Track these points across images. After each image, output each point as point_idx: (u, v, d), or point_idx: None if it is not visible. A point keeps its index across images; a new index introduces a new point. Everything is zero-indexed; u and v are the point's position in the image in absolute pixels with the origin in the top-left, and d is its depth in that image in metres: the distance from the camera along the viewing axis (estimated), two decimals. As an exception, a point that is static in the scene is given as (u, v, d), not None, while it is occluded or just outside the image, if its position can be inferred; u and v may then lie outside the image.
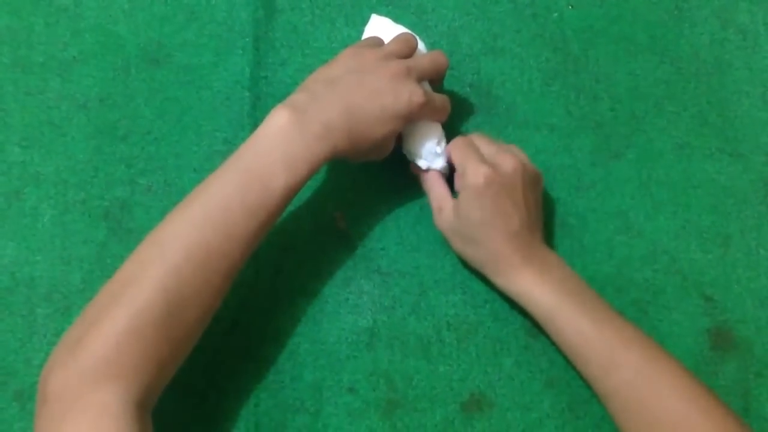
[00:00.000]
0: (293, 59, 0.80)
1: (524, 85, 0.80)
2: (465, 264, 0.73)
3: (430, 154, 0.71)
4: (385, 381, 0.70)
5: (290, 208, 0.68)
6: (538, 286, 0.66)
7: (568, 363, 0.69)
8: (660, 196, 0.77)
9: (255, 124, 0.76)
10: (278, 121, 0.63)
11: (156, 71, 0.79)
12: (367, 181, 0.76)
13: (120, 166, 0.76)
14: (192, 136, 0.77)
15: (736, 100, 0.80)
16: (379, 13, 0.77)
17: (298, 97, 0.66)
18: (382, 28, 0.75)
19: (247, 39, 0.80)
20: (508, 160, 0.68)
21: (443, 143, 0.72)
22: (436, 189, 0.72)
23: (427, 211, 0.75)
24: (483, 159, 0.69)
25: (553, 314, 0.66)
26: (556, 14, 0.83)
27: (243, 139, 0.75)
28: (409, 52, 0.72)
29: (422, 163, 0.72)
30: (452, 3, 0.83)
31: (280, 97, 0.76)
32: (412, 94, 0.67)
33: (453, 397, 0.70)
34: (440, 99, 0.72)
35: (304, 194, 0.74)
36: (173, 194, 0.75)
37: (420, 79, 0.70)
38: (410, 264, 0.74)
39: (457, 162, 0.70)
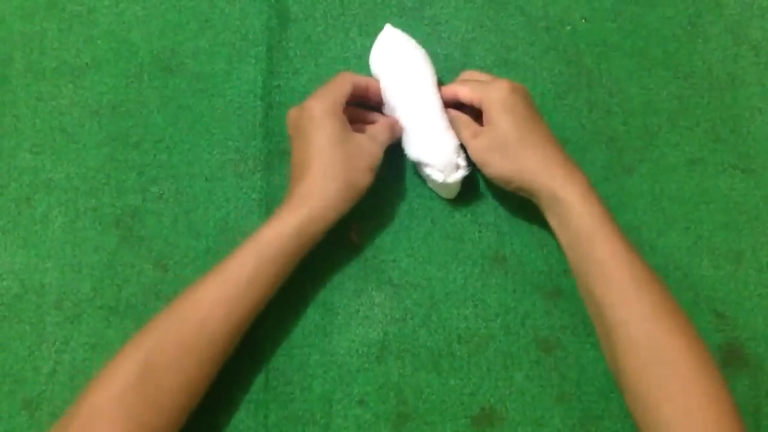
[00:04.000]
0: (306, 68, 0.80)
1: (537, 97, 0.79)
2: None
3: (450, 165, 0.71)
4: (395, 394, 0.70)
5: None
6: (587, 193, 0.66)
7: (580, 377, 0.69)
8: (672, 212, 0.77)
9: (267, 132, 0.77)
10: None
11: (169, 79, 0.78)
12: (379, 193, 0.76)
13: (132, 174, 0.75)
14: (204, 145, 0.77)
15: (749, 116, 0.80)
16: (394, 24, 0.77)
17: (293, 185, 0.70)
18: (393, 39, 0.75)
19: (261, 48, 0.80)
20: (507, 80, 0.71)
21: (463, 154, 0.72)
22: (463, 118, 0.73)
23: (438, 224, 0.75)
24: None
25: (594, 229, 0.65)
26: (569, 27, 0.83)
27: (255, 148, 0.77)
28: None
29: (439, 176, 0.71)
30: (466, 15, 0.82)
31: (292, 106, 0.77)
32: (306, 107, 0.69)
33: (463, 410, 0.70)
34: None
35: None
36: (185, 202, 0.75)
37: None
38: (421, 276, 0.74)
39: (468, 94, 0.71)
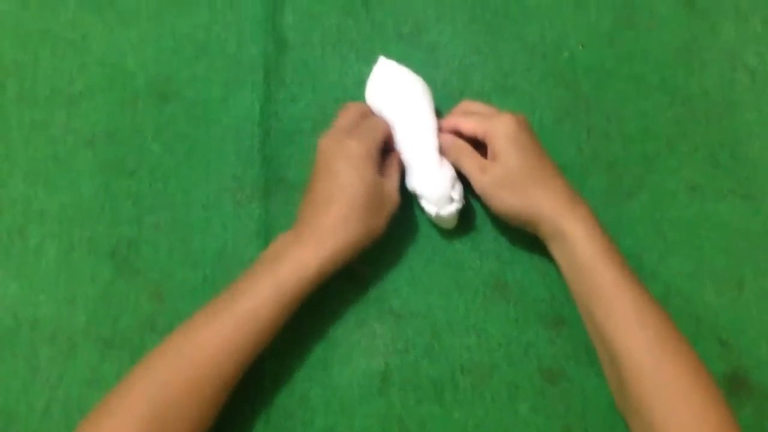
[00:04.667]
0: (303, 95, 0.79)
1: (535, 123, 0.79)
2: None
3: (444, 198, 0.71)
4: (398, 426, 0.69)
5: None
6: (590, 226, 0.67)
7: (585, 406, 0.68)
8: (673, 238, 0.76)
9: (265, 160, 0.76)
10: (278, 246, 0.67)
11: (164, 106, 0.77)
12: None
13: (127, 203, 0.74)
14: (201, 172, 0.76)
15: (747, 141, 0.80)
16: (390, 51, 0.77)
17: (297, 225, 0.68)
18: (388, 71, 0.75)
19: (258, 74, 0.79)
20: (510, 113, 0.71)
21: (458, 186, 0.71)
22: (468, 150, 0.72)
23: (438, 252, 0.74)
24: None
25: (595, 259, 0.65)
26: (566, 53, 0.82)
27: (253, 176, 0.76)
28: (352, 121, 0.72)
29: (431, 209, 0.71)
30: (463, 41, 0.82)
31: (290, 133, 0.77)
32: (346, 164, 0.68)
33: (467, 443, 0.69)
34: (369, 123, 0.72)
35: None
36: (181, 232, 0.73)
37: (346, 134, 0.70)
38: (423, 305, 0.73)
39: (473, 127, 0.71)
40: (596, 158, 0.79)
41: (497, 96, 0.80)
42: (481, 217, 0.76)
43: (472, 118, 0.72)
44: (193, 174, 0.76)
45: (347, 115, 0.72)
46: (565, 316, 0.73)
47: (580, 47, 0.83)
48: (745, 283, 0.75)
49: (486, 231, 0.76)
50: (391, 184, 0.70)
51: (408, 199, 0.76)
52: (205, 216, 0.74)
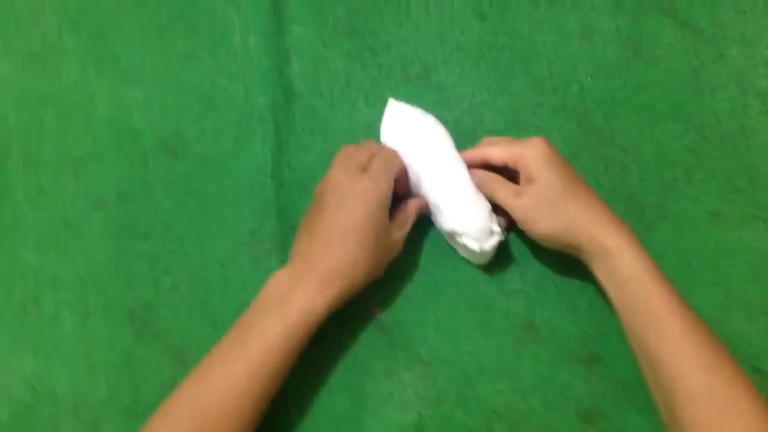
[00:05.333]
0: (315, 143, 0.78)
1: (551, 159, 0.78)
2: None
3: (485, 232, 0.69)
4: (437, 480, 0.67)
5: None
6: (634, 244, 0.65)
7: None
8: (699, 267, 0.75)
9: (280, 211, 0.75)
10: (276, 284, 0.65)
11: (175, 163, 0.76)
12: (401, 267, 0.73)
13: (142, 265, 0.72)
14: (216, 229, 0.74)
15: (764, 165, 0.79)
16: (399, 94, 0.76)
17: (293, 262, 0.67)
18: (400, 112, 0.74)
19: (267, 125, 0.78)
20: (540, 136, 0.70)
21: (495, 217, 0.70)
22: (498, 179, 0.71)
23: (463, 295, 0.73)
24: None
25: (643, 276, 0.64)
26: (576, 86, 0.82)
27: (269, 228, 0.74)
28: (365, 158, 0.71)
29: (474, 244, 0.69)
30: (472, 79, 0.81)
31: (303, 183, 0.75)
32: (355, 200, 0.67)
33: (510, 492, 0.67)
34: (384, 156, 0.71)
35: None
36: (200, 291, 0.71)
37: (360, 170, 0.69)
38: (452, 351, 0.71)
39: (502, 155, 0.70)
40: (615, 190, 0.78)
41: (510, 133, 0.79)
42: (504, 256, 0.74)
43: (499, 146, 0.71)
44: (208, 231, 0.74)
45: (361, 152, 0.71)
46: (599, 352, 0.71)
47: (589, 79, 0.82)
48: (776, 308, 0.74)
49: (511, 270, 0.74)
50: (400, 234, 0.70)
51: (428, 243, 0.74)
52: (223, 273, 0.72)
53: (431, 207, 0.71)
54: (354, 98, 0.80)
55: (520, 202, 0.69)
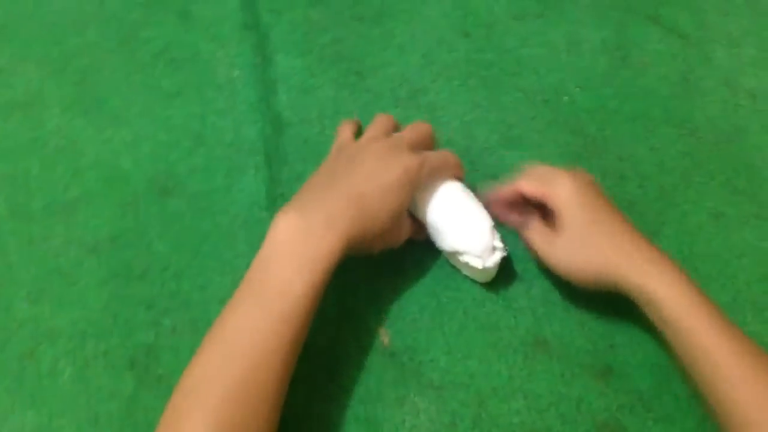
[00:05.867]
0: (308, 172, 0.75)
1: (548, 172, 0.78)
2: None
3: (487, 249, 0.68)
4: (459, 507, 0.65)
5: (331, 330, 0.63)
6: (673, 282, 0.62)
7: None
8: (705, 271, 0.74)
9: (278, 245, 0.73)
10: (281, 228, 0.61)
11: (167, 202, 0.74)
12: (406, 292, 0.72)
13: (140, 309, 0.70)
14: (214, 266, 0.72)
15: (761, 163, 0.79)
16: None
17: (294, 201, 0.64)
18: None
19: (259, 157, 0.77)
20: (570, 172, 0.68)
21: (497, 234, 0.69)
22: (539, 228, 0.69)
23: (471, 315, 0.71)
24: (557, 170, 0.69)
25: (689, 318, 0.61)
26: (566, 98, 0.81)
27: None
28: (388, 131, 0.71)
29: (477, 262, 0.68)
30: (462, 98, 0.81)
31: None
32: (403, 162, 0.66)
33: None
34: (441, 155, 0.70)
35: (344, 315, 0.70)
36: (201, 332, 0.68)
37: (410, 149, 0.68)
38: (463, 373, 0.69)
39: (534, 191, 0.68)
40: (615, 200, 0.76)
41: (505, 148, 0.79)
42: (508, 273, 0.73)
43: (532, 180, 0.69)
44: (206, 269, 0.72)
45: (410, 133, 0.70)
46: (612, 364, 0.70)
47: (579, 90, 0.82)
48: (787, 307, 0.73)
49: (516, 288, 0.73)
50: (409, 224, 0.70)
51: (431, 266, 0.73)
52: (224, 311, 0.71)
53: (431, 229, 0.70)
54: (344, 125, 0.79)
55: (551, 250, 0.68)
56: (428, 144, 0.72)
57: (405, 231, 0.69)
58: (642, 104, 0.81)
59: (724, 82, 0.83)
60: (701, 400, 0.64)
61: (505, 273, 0.72)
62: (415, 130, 0.71)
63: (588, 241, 0.66)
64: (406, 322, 0.71)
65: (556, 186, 0.67)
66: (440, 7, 0.85)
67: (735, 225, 0.76)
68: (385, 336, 0.70)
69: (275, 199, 0.75)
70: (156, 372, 0.68)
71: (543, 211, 0.70)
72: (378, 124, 0.71)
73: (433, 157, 0.69)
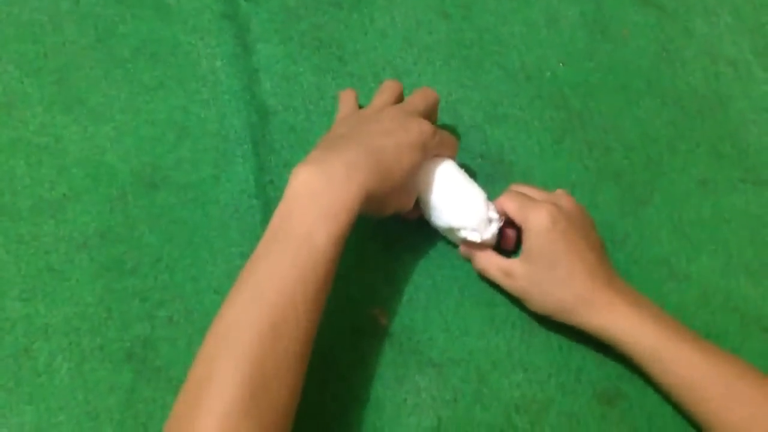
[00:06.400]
0: (296, 159, 0.76)
1: (535, 146, 0.78)
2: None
3: (483, 221, 0.68)
4: (465, 481, 0.65)
5: (326, 314, 0.63)
6: (640, 322, 0.63)
7: (651, 424, 0.65)
8: (697, 236, 0.75)
9: (269, 232, 0.72)
10: (301, 179, 0.60)
11: (155, 195, 0.74)
12: (401, 273, 0.72)
13: (134, 302, 0.69)
14: (206, 256, 0.72)
15: (744, 129, 0.80)
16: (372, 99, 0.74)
17: (313, 153, 0.63)
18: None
19: (246, 146, 0.76)
20: (565, 198, 0.69)
21: (492, 206, 0.69)
22: (492, 259, 0.70)
23: (466, 292, 0.72)
24: (540, 200, 0.68)
25: (659, 351, 0.63)
26: (549, 73, 0.82)
27: (261, 251, 0.71)
28: (398, 97, 0.72)
29: (474, 236, 0.68)
30: (445, 78, 0.81)
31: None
32: (419, 125, 0.66)
33: (540, 485, 0.65)
34: (447, 133, 0.71)
35: (339, 297, 0.69)
36: (197, 321, 0.69)
37: (421, 116, 0.69)
38: (462, 350, 0.69)
39: (513, 211, 0.68)
40: (603, 172, 0.77)
41: (491, 126, 0.79)
42: (502, 249, 0.73)
43: (515, 200, 0.69)
44: (198, 259, 0.72)
45: (415, 100, 0.70)
46: (609, 334, 0.70)
47: (561, 65, 0.82)
48: (778, 268, 0.74)
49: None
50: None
51: (424, 245, 0.73)
52: (219, 300, 0.68)
53: (425, 207, 0.70)
54: (330, 109, 0.78)
55: (509, 283, 0.69)
56: (435, 113, 0.73)
57: (413, 196, 0.69)
58: (624, 76, 0.82)
59: (703, 51, 0.83)
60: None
61: (497, 249, 0.72)
62: (424, 97, 0.71)
63: (550, 278, 0.66)
64: (403, 302, 0.71)
65: (531, 216, 0.67)
66: (418, -10, 0.85)
67: (722, 190, 0.77)
68: (382, 318, 0.70)
69: (264, 186, 0.75)
70: (154, 363, 0.67)
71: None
72: (387, 90, 0.72)
73: (442, 131, 0.70)
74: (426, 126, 0.66)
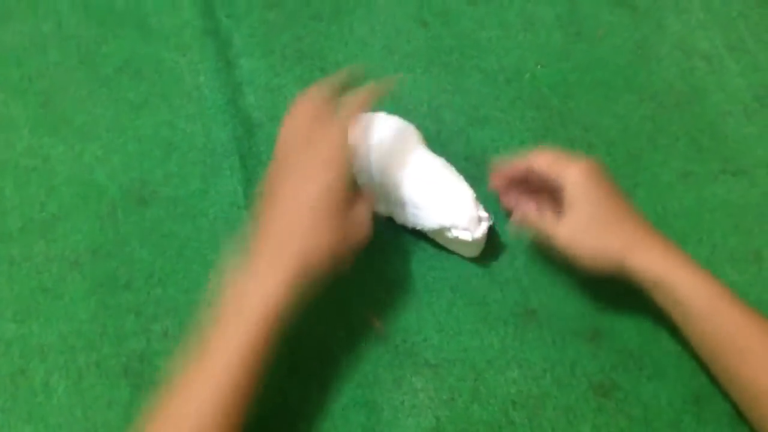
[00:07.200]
0: (283, 169, 0.77)
1: (518, 146, 0.79)
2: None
3: (473, 220, 0.69)
4: (465, 479, 0.65)
5: (322, 321, 0.64)
6: (694, 271, 0.63)
7: (646, 413, 0.66)
8: (681, 227, 0.76)
9: (260, 242, 0.73)
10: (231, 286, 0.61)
11: (145, 210, 0.74)
12: (392, 276, 0.73)
13: (129, 317, 0.70)
14: (198, 269, 0.72)
15: (722, 121, 0.81)
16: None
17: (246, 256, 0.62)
18: (364, 120, 0.73)
19: (233, 158, 0.77)
20: (584, 159, 0.68)
21: (480, 205, 0.70)
22: (532, 212, 0.70)
23: (458, 292, 0.73)
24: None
25: (714, 305, 0.62)
26: (527, 75, 0.83)
27: (252, 261, 0.72)
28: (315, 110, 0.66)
29: (465, 234, 0.69)
30: (426, 84, 0.82)
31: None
32: (323, 156, 0.63)
33: (539, 479, 0.65)
34: (351, 99, 0.66)
35: (333, 305, 0.70)
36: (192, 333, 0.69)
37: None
38: (457, 349, 0.70)
39: (547, 166, 0.68)
40: (585, 168, 0.78)
41: (473, 129, 0.80)
42: (491, 248, 0.74)
43: (547, 157, 0.68)
44: (190, 272, 0.72)
45: (312, 101, 0.65)
46: (600, 326, 0.71)
47: (539, 67, 0.83)
48: (762, 255, 0.75)
49: (500, 261, 0.74)
50: (361, 213, 0.65)
51: (413, 247, 0.74)
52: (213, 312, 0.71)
53: (412, 208, 0.71)
54: (314, 119, 0.80)
55: (562, 229, 0.67)
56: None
57: (361, 216, 0.65)
58: (601, 74, 0.83)
59: (677, 46, 0.85)
60: (722, 382, 0.65)
61: (487, 247, 0.73)
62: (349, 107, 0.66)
63: (600, 226, 0.66)
64: (397, 305, 0.71)
65: (570, 166, 0.66)
66: (396, 0, 0.86)
67: (704, 181, 0.78)
68: (377, 321, 0.71)
69: (253, 197, 0.75)
70: (151, 377, 0.68)
71: (539, 199, 0.71)
72: (301, 108, 0.66)
73: (347, 102, 0.66)
74: (330, 129, 0.63)
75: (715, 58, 0.84)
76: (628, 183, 0.77)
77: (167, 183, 0.75)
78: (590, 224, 0.66)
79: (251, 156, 0.77)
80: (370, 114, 0.74)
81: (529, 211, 0.71)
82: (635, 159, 0.79)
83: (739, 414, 0.65)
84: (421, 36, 0.84)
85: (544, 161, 0.68)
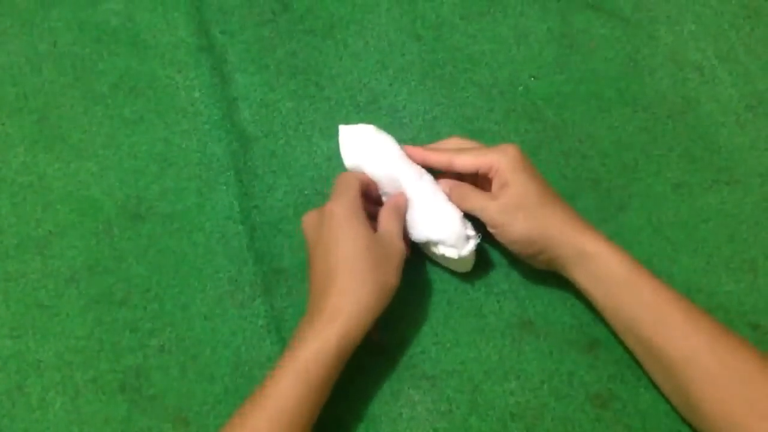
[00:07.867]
0: (279, 183, 0.77)
1: (512, 159, 0.79)
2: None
3: (460, 238, 0.69)
4: (465, 491, 0.65)
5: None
6: (612, 244, 0.66)
7: (645, 424, 0.66)
8: (676, 237, 0.76)
9: (257, 255, 0.74)
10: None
11: (141, 226, 0.74)
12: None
13: (125, 333, 0.70)
14: (195, 284, 0.72)
15: (715, 131, 0.81)
16: (352, 121, 0.76)
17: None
18: (352, 135, 0.73)
19: (229, 173, 0.77)
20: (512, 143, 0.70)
21: (469, 223, 0.70)
22: (468, 188, 0.71)
23: (455, 304, 0.73)
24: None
25: (632, 274, 0.65)
26: (521, 88, 0.83)
27: (249, 274, 0.73)
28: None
29: (452, 252, 0.69)
30: (420, 97, 0.82)
31: (275, 224, 0.75)
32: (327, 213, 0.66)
33: (539, 490, 0.65)
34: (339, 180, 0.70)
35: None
36: (189, 348, 0.69)
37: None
38: (455, 361, 0.70)
39: (472, 163, 0.69)
40: (580, 180, 0.79)
41: (468, 141, 0.80)
42: (487, 260, 0.74)
43: (469, 154, 0.70)
44: (187, 287, 0.72)
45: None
46: (597, 337, 0.71)
47: (532, 79, 0.84)
48: (757, 264, 0.75)
49: (496, 273, 0.74)
50: (391, 234, 0.67)
51: (415, 258, 0.74)
52: (210, 327, 0.71)
53: (406, 220, 0.71)
54: (309, 134, 0.80)
55: (493, 205, 0.68)
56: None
57: (395, 246, 0.68)
58: (594, 87, 0.84)
59: (669, 58, 0.85)
60: (639, 356, 0.66)
61: (483, 260, 0.74)
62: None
63: (531, 204, 0.67)
64: (394, 318, 0.71)
65: (501, 154, 0.68)
66: (389, 15, 0.86)
67: (697, 192, 0.78)
68: (374, 334, 0.70)
69: (249, 211, 0.75)
70: (148, 392, 0.68)
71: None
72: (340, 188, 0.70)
73: (338, 182, 0.69)
74: (330, 213, 0.66)
75: (708, 69, 0.85)
76: (622, 194, 0.78)
77: (163, 199, 0.76)
78: (522, 203, 0.67)
79: (246, 171, 0.77)
80: (356, 129, 0.73)
81: (461, 184, 0.72)
82: (629, 170, 0.79)
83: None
84: (414, 50, 0.85)
85: (468, 161, 0.69)
